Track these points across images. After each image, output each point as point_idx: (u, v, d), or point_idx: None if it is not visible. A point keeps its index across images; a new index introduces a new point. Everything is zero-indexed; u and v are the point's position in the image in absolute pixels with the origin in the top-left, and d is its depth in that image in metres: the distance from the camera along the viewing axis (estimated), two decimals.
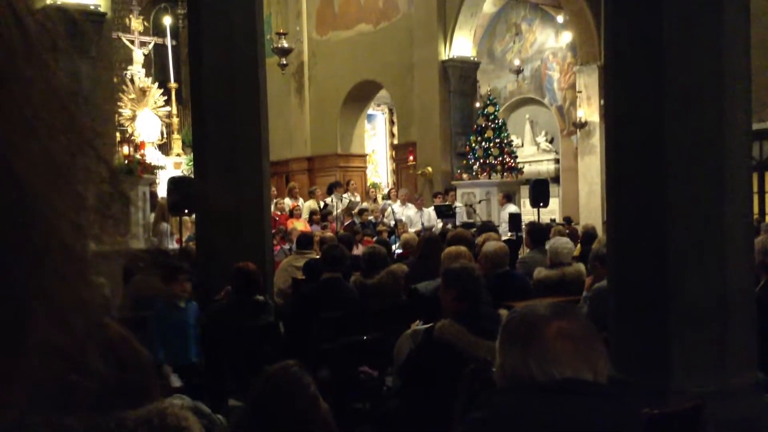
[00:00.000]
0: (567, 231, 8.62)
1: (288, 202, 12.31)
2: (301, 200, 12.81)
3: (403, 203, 12.90)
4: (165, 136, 14.17)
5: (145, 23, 14.45)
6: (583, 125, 14.45)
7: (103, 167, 0.42)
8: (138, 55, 13.99)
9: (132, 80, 13.81)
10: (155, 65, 14.99)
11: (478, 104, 14.76)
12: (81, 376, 0.40)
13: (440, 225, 11.26)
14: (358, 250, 7.73)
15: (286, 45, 12.49)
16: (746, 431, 3.12)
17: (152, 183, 9.59)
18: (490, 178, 13.25)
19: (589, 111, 14.43)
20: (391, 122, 18.92)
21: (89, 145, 0.41)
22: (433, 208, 12.25)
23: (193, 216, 7.39)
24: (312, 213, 11.61)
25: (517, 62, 15.35)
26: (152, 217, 9.50)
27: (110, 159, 0.43)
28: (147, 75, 14.20)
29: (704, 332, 3.22)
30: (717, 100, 3.22)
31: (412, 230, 10.62)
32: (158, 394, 1.31)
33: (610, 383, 1.58)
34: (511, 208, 12.05)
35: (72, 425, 0.53)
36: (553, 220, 12.44)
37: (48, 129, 0.38)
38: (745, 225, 3.37)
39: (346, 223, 11.08)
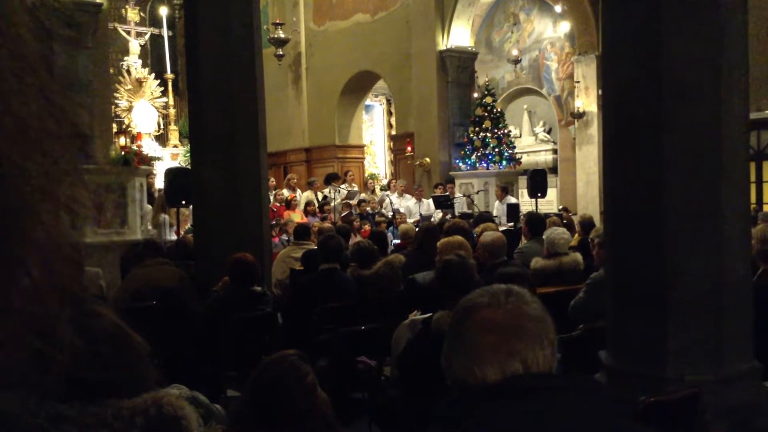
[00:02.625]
0: (565, 221, 8.63)
1: (286, 193, 12.30)
2: (298, 191, 12.80)
3: (401, 194, 12.90)
4: (162, 127, 14.16)
5: (141, 14, 14.39)
6: (581, 115, 14.43)
7: (77, 137, 0.42)
8: (134, 45, 13.96)
9: (128, 71, 13.78)
10: (152, 56, 14.93)
11: (476, 94, 14.74)
12: (47, 345, 0.39)
13: (439, 215, 11.27)
14: (357, 239, 7.71)
15: (282, 35, 12.42)
16: (743, 419, 3.13)
17: (149, 174, 9.56)
18: (488, 168, 13.25)
19: (587, 101, 14.41)
20: (389, 113, 18.90)
21: (61, 110, 0.41)
22: (432, 198, 12.26)
23: (191, 207, 7.38)
24: (307, 204, 11.60)
25: (515, 52, 15.32)
26: (150, 208, 9.49)
27: (84, 127, 0.42)
28: (143, 66, 14.18)
29: (701, 320, 3.23)
30: (714, 89, 3.22)
31: (410, 221, 10.62)
32: (155, 384, 1.31)
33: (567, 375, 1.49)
34: (510, 200, 12.05)
35: (66, 413, 0.53)
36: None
37: (17, 94, 0.38)
38: (743, 214, 3.37)
39: (343, 214, 11.08)
